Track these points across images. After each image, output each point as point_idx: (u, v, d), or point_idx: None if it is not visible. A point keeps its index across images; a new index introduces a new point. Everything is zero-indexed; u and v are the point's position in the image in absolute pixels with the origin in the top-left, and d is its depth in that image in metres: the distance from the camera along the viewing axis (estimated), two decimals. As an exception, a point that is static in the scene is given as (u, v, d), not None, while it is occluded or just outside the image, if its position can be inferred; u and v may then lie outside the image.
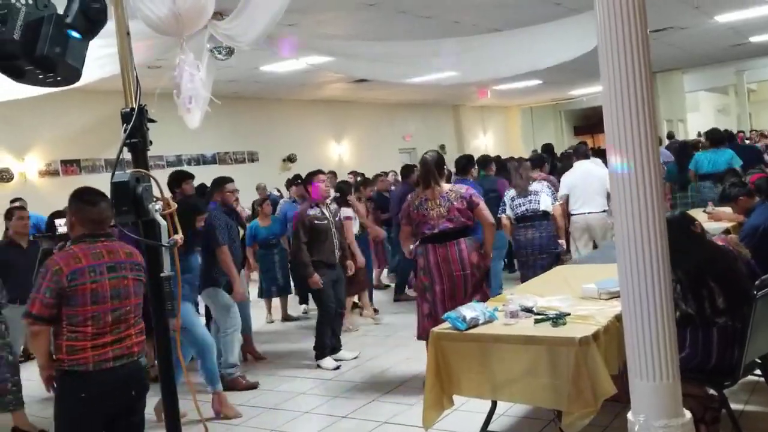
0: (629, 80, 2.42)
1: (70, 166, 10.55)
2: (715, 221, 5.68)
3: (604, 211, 6.37)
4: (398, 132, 17.59)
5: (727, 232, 5.22)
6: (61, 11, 2.40)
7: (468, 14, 8.26)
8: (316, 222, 5.61)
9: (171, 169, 11.76)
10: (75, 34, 2.26)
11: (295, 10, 6.36)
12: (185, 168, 12.11)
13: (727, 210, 5.43)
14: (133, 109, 2.04)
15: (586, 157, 7.01)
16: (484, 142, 20.94)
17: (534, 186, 6.04)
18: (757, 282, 3.06)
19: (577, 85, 16.85)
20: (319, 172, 5.89)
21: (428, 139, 18.39)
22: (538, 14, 7.75)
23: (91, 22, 2.13)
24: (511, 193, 6.16)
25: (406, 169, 8.44)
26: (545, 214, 5.93)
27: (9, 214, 5.50)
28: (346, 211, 6.64)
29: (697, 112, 22.50)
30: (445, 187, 4.71)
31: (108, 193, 2.31)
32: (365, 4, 7.36)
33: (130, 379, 2.85)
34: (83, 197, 2.92)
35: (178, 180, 5.84)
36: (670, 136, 12.95)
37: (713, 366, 3.14)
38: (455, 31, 8.74)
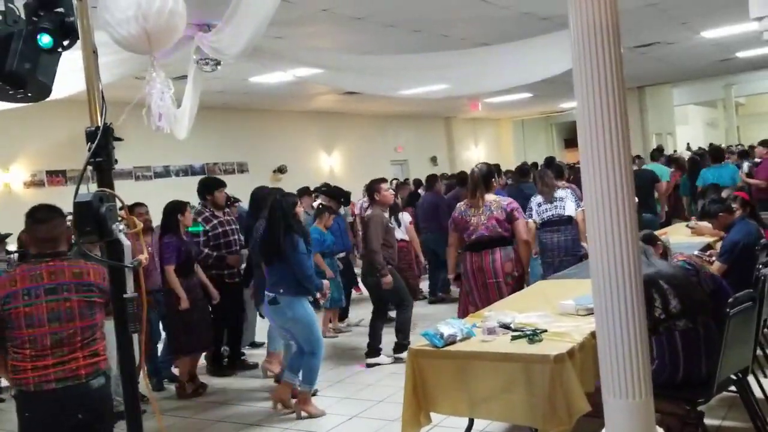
0: (603, 97, 2.41)
1: (56, 176, 10.48)
2: (697, 235, 5.70)
3: None
4: (390, 143, 17.61)
5: (708, 247, 5.25)
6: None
7: (456, 28, 8.30)
8: (389, 226, 5.96)
9: (159, 180, 11.89)
10: (46, 40, 2.24)
11: (283, 23, 6.39)
12: (173, 179, 12.16)
13: (709, 225, 5.46)
14: (98, 128, 2.03)
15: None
16: (475, 154, 21.00)
17: (559, 193, 6.34)
18: (730, 299, 3.08)
19: (566, 98, 16.94)
20: (383, 180, 6.29)
21: (420, 151, 18.43)
22: (526, 29, 7.79)
23: (65, 33, 2.12)
24: (537, 199, 6.45)
25: (432, 179, 9.04)
26: (569, 219, 6.23)
27: None
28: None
29: (686, 125, 22.68)
30: (490, 197, 4.95)
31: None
32: (353, 18, 7.38)
33: (75, 402, 2.74)
34: (34, 215, 2.85)
35: (209, 187, 5.92)
36: (660, 150, 12.98)
37: (682, 377, 3.16)
38: (444, 45, 8.78)
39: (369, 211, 6.17)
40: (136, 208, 5.66)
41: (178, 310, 5.39)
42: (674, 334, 3.15)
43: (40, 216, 2.82)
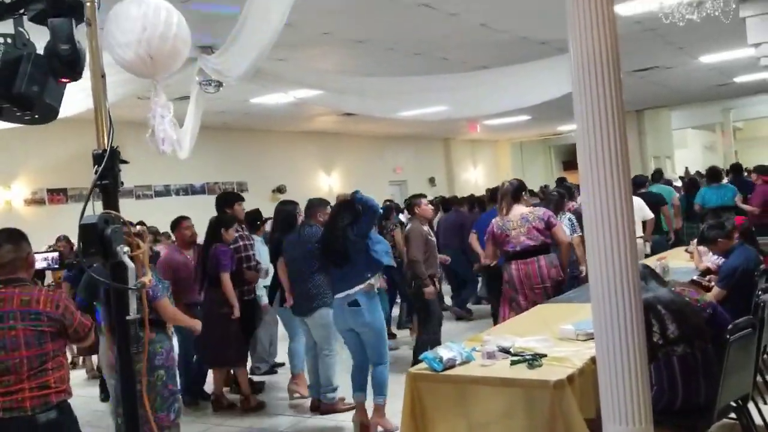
0: (602, 122, 2.42)
1: (57, 194, 10.50)
2: (695, 261, 5.71)
3: (640, 237, 7.00)
4: (389, 164, 17.68)
5: (707, 271, 5.25)
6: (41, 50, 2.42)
7: (456, 51, 8.39)
8: (429, 237, 6.11)
9: (159, 200, 11.91)
10: (66, 80, 2.28)
11: (284, 46, 6.45)
12: (173, 198, 12.19)
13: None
14: (105, 150, 2.05)
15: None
16: (474, 176, 21.07)
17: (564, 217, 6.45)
18: (730, 326, 3.09)
19: (565, 120, 17.06)
20: (422, 195, 6.66)
21: (419, 172, 18.49)
22: (525, 52, 7.88)
23: (65, 64, 2.15)
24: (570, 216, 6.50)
25: (454, 200, 9.73)
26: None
27: None
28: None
29: (685, 148, 22.80)
30: (524, 209, 5.32)
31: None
32: (354, 41, 7.46)
33: None
34: None
35: (229, 202, 6.01)
36: (659, 172, 13.04)
37: (681, 403, 3.15)
38: (444, 68, 8.86)
39: (409, 226, 6.34)
40: (182, 221, 5.74)
41: (218, 322, 5.37)
42: (672, 360, 3.15)
43: None
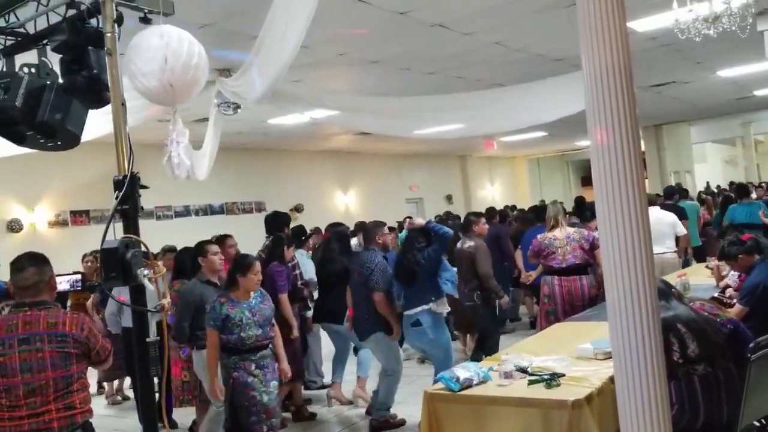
0: (616, 137, 2.41)
1: (79, 216, 10.67)
2: (717, 276, 5.64)
3: (674, 252, 7.22)
4: (405, 182, 17.72)
5: (728, 288, 5.19)
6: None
7: (471, 70, 8.43)
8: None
9: (179, 220, 12.04)
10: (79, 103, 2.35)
11: (301, 67, 6.54)
12: (192, 218, 12.32)
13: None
14: (125, 177, 2.10)
15: (653, 203, 7.52)
16: (491, 193, 21.03)
17: None
18: (751, 344, 3.05)
19: (582, 136, 16.99)
20: (480, 214, 7.01)
21: (435, 189, 18.51)
22: (541, 70, 7.90)
23: (88, 91, 2.21)
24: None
25: (491, 212, 9.70)
26: None
27: None
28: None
29: (705, 163, 22.56)
30: (570, 229, 5.76)
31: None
32: (369, 62, 7.53)
33: None
34: (14, 264, 2.85)
35: (282, 223, 6.24)
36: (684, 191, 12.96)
37: (703, 423, 3.10)
38: (459, 86, 8.91)
39: (469, 243, 6.38)
40: (226, 240, 5.75)
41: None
42: (693, 379, 3.11)
43: (18, 265, 2.82)
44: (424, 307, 4.99)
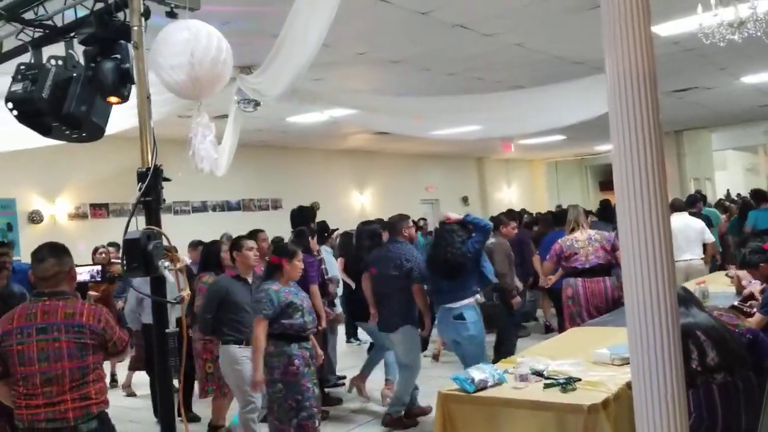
0: (639, 142, 2.38)
1: (99, 209, 10.79)
2: (737, 285, 5.57)
3: (701, 259, 7.24)
4: (421, 182, 17.70)
5: (750, 296, 5.12)
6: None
7: (491, 72, 8.40)
8: (510, 254, 6.64)
9: (196, 215, 12.13)
10: (115, 102, 2.37)
11: (321, 66, 6.55)
12: (210, 213, 12.40)
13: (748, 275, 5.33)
14: (149, 169, 2.12)
15: (681, 210, 7.64)
16: (508, 195, 20.94)
17: None
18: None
19: (601, 140, 16.87)
20: (510, 215, 7.54)
21: (451, 191, 18.46)
22: (561, 72, 7.86)
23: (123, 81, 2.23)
24: None
25: (512, 215, 9.59)
26: None
27: None
28: None
29: (725, 170, 22.30)
30: (591, 231, 5.80)
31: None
32: (389, 61, 7.53)
33: None
34: (35, 254, 2.88)
35: (307, 218, 6.32)
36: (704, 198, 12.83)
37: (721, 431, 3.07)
38: (479, 88, 8.89)
39: (491, 240, 6.42)
40: (258, 234, 5.77)
41: None
42: (712, 387, 3.07)
43: (39, 255, 2.84)
44: (471, 300, 5.04)
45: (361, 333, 8.13)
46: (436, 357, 7.38)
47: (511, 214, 9.80)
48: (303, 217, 6.33)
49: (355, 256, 6.34)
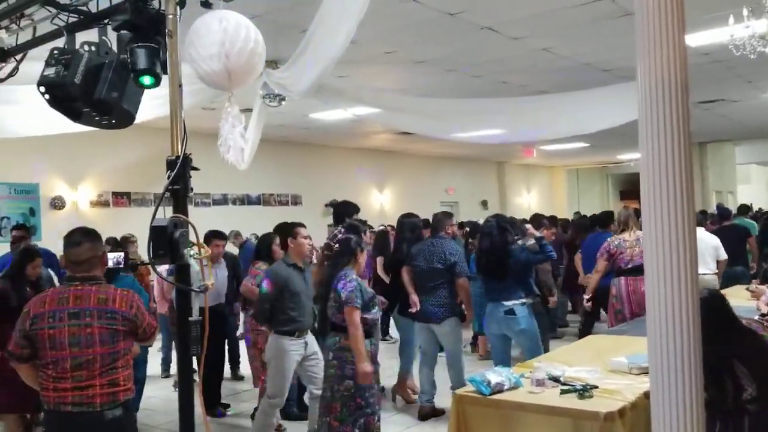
0: (668, 153, 2.36)
1: (120, 198, 10.90)
2: (757, 299, 5.50)
3: (714, 273, 7.22)
4: (441, 184, 17.67)
5: (770, 313, 5.04)
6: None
7: (516, 75, 8.37)
8: None
9: (217, 208, 12.21)
10: (147, 81, 2.39)
11: (347, 63, 6.56)
12: (230, 207, 12.48)
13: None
14: (178, 157, 2.14)
15: (700, 224, 7.62)
16: (527, 201, 20.84)
17: None
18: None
19: (624, 149, 16.74)
20: (543, 217, 7.46)
21: (471, 194, 18.41)
22: (587, 79, 7.81)
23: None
24: None
25: (538, 218, 9.73)
26: None
27: None
28: None
29: (748, 184, 22.02)
30: (640, 232, 5.80)
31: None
32: (415, 61, 7.53)
33: (87, 429, 2.73)
34: (68, 238, 2.87)
35: (349, 213, 6.24)
36: (720, 208, 12.72)
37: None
38: (503, 91, 8.86)
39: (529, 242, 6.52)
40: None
41: None
42: (743, 419, 2.93)
43: (73, 239, 2.83)
44: (517, 301, 5.16)
45: (393, 330, 8.18)
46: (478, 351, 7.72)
47: (552, 219, 9.86)
48: (347, 210, 6.32)
49: (394, 248, 6.41)
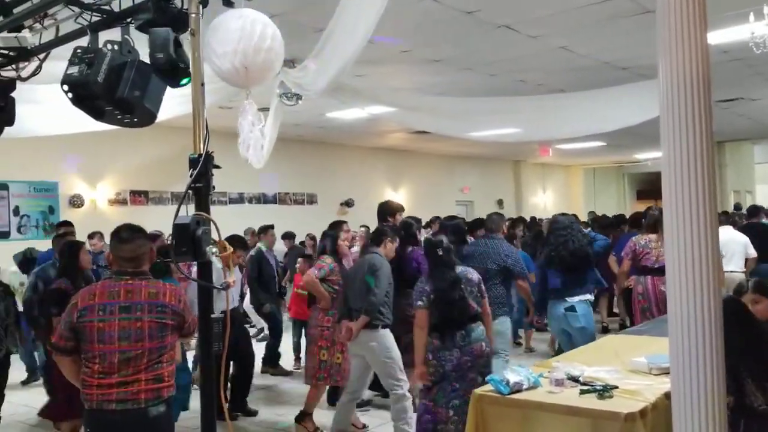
0: (690, 151, 2.34)
1: (138, 196, 11.00)
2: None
3: (743, 272, 7.26)
4: (456, 183, 17.63)
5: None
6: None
7: (533, 74, 8.32)
8: None
9: (233, 206, 12.27)
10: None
11: (364, 62, 6.57)
12: (246, 205, 12.54)
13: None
14: (200, 155, 2.15)
15: (728, 223, 7.81)
16: (543, 200, 20.73)
17: None
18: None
19: (641, 148, 16.60)
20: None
21: (486, 193, 18.35)
22: (605, 77, 7.75)
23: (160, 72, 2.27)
24: None
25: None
26: None
27: None
28: None
29: (767, 184, 21.76)
30: None
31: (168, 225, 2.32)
32: (432, 60, 7.52)
33: (132, 427, 2.71)
34: (119, 234, 2.88)
35: (391, 212, 6.29)
36: (737, 207, 12.59)
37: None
38: (520, 90, 8.81)
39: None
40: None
41: (411, 329, 5.58)
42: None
43: (124, 236, 2.85)
44: (588, 297, 5.39)
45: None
46: (529, 348, 8.02)
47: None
48: (391, 210, 6.33)
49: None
